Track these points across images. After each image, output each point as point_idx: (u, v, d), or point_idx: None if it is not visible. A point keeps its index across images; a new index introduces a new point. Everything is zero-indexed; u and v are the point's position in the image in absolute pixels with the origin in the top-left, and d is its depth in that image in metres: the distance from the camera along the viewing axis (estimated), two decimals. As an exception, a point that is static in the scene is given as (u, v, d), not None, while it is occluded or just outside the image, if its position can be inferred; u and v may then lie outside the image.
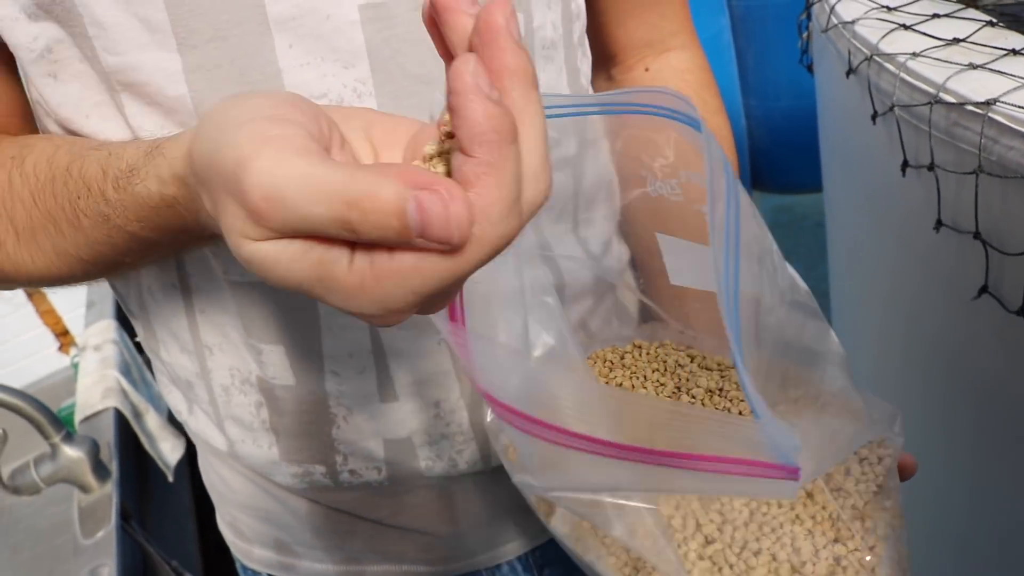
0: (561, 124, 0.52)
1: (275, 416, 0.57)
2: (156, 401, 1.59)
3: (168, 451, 1.47)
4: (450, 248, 0.26)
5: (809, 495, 0.47)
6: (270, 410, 0.57)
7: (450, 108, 0.27)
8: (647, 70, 0.64)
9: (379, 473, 0.59)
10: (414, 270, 0.27)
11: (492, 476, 0.61)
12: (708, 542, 0.46)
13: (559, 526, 0.50)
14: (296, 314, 0.53)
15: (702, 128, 0.39)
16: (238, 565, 0.75)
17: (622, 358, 0.54)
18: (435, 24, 0.31)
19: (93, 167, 0.43)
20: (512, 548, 0.66)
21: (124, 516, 1.20)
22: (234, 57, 0.45)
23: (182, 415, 0.65)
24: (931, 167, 0.72)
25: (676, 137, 0.47)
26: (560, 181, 0.55)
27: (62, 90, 0.49)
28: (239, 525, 0.69)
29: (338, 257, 0.28)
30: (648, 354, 0.54)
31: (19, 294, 1.92)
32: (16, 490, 1.15)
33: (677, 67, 0.64)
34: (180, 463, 1.53)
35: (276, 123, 0.29)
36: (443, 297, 0.30)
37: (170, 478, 1.46)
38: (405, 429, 0.57)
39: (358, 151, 0.34)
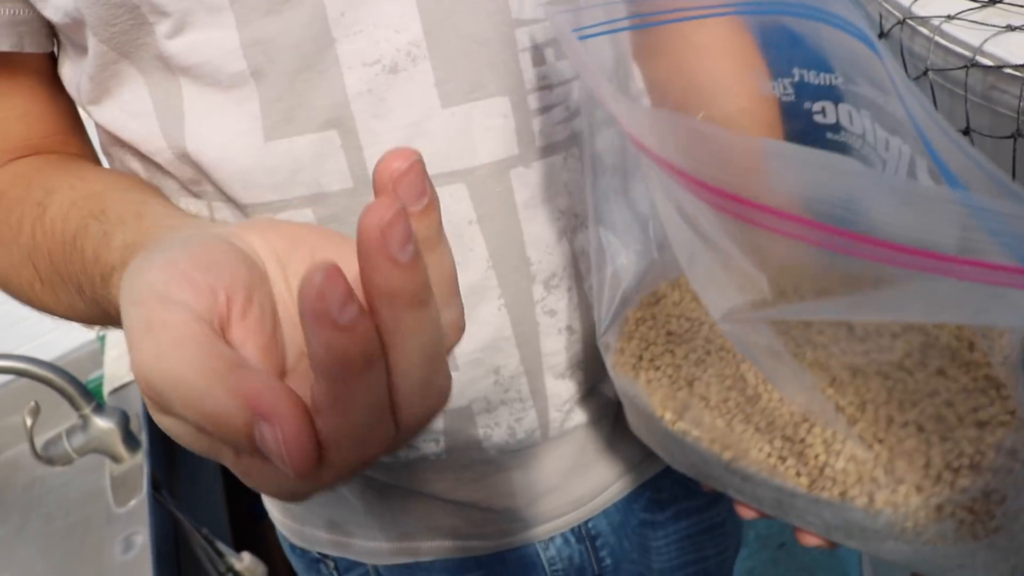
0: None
1: None
2: (183, 372, 1.60)
3: (196, 421, 1.48)
4: (297, 476, 0.25)
5: (970, 345, 0.41)
6: None
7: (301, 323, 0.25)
8: None
9: (437, 445, 0.58)
10: (282, 478, 0.28)
11: (549, 448, 0.61)
12: (851, 423, 0.41)
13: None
14: None
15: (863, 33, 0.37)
16: (285, 545, 0.75)
17: None
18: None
19: (90, 247, 0.43)
20: (566, 521, 0.66)
21: (155, 485, 1.22)
22: (289, 29, 0.45)
23: None
24: (967, 131, 0.71)
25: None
26: (609, 137, 0.53)
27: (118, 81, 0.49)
28: (289, 505, 0.69)
29: (224, 448, 0.29)
30: None
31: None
32: (49, 460, 1.16)
33: None
34: (208, 433, 1.54)
35: (163, 305, 0.29)
36: (330, 488, 0.29)
37: (198, 448, 1.48)
38: (464, 398, 0.56)
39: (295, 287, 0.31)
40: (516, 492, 0.62)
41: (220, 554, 1.39)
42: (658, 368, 0.47)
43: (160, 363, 0.27)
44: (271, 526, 2.18)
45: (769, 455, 0.42)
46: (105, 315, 0.44)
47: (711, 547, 0.79)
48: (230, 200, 0.50)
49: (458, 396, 0.56)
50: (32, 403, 1.09)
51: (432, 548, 0.66)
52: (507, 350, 0.55)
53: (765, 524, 1.24)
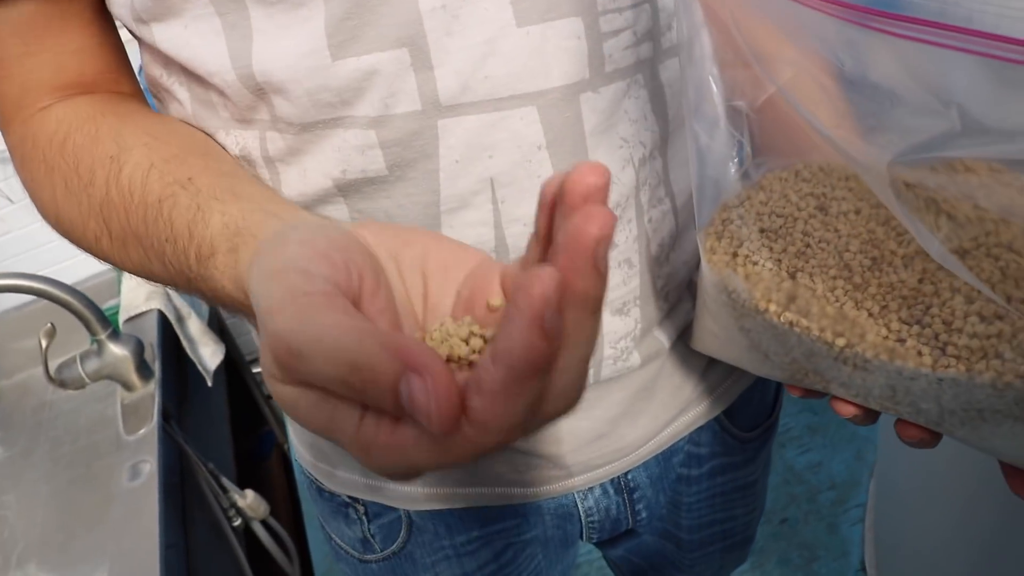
0: (670, 9, 0.50)
1: None
2: (198, 306, 1.60)
3: (208, 356, 1.48)
4: (437, 432, 0.27)
5: None
6: None
7: (506, 313, 0.27)
8: None
9: None
10: (410, 446, 0.29)
11: (599, 392, 0.60)
12: (968, 301, 0.41)
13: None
14: (416, 210, 0.51)
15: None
16: (311, 490, 0.74)
17: None
18: (548, 207, 0.31)
19: (181, 219, 0.43)
20: (607, 471, 0.65)
21: (164, 416, 1.22)
22: None
23: None
24: None
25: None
26: (673, 68, 0.53)
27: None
28: (321, 445, 0.68)
29: (348, 415, 0.30)
30: None
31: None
32: (63, 383, 1.16)
33: None
34: (218, 369, 1.54)
35: (305, 277, 0.31)
36: (448, 468, 0.30)
37: (209, 383, 1.48)
38: None
39: (409, 286, 0.36)
40: (562, 438, 0.61)
41: (224, 490, 1.40)
42: (756, 263, 0.46)
43: (305, 326, 0.29)
44: (274, 467, 2.20)
45: (887, 337, 0.41)
46: (189, 284, 0.44)
47: (740, 506, 0.80)
48: (287, 126, 0.49)
49: None
50: (48, 324, 1.09)
51: (469, 495, 0.65)
52: None
53: (770, 499, 1.24)
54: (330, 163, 0.50)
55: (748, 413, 0.73)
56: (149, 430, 1.16)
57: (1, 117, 0.55)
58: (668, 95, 0.53)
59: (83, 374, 1.16)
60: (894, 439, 1.35)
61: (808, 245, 0.44)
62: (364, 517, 0.70)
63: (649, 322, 0.58)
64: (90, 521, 1.25)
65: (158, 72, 0.54)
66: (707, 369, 0.66)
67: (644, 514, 0.71)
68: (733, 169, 0.47)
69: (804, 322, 0.44)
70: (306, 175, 0.51)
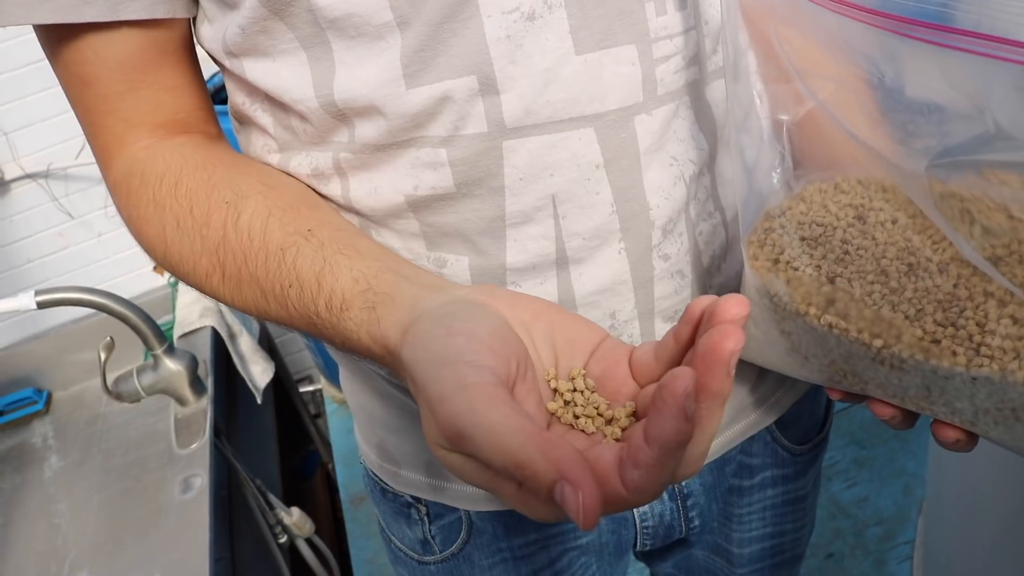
0: (714, 35, 0.54)
1: None
2: (249, 324, 1.63)
3: (258, 374, 1.51)
4: (583, 530, 0.34)
5: None
6: None
7: (654, 403, 0.34)
8: None
9: None
10: (555, 512, 0.35)
11: None
12: (1001, 305, 0.44)
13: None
14: (483, 224, 0.53)
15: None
16: (375, 491, 0.75)
17: None
18: (695, 323, 0.39)
19: (308, 269, 0.48)
20: None
21: (216, 432, 1.24)
22: None
23: None
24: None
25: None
26: (716, 90, 0.55)
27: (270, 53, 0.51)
28: (387, 447, 0.70)
29: (509, 483, 0.36)
30: None
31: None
32: (119, 396, 1.19)
33: None
34: (266, 388, 1.57)
35: (474, 370, 0.36)
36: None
37: (258, 400, 1.50)
38: None
39: (541, 355, 0.42)
40: None
41: (271, 506, 1.42)
42: (796, 269, 0.48)
43: (476, 416, 0.35)
44: (318, 486, 2.21)
45: (922, 338, 0.43)
46: (312, 327, 0.49)
47: (791, 521, 0.79)
48: (363, 146, 0.52)
49: None
50: (108, 338, 1.12)
51: None
52: (624, 294, 0.56)
53: (816, 533, 1.23)
54: (403, 180, 0.52)
55: (799, 426, 0.74)
56: (201, 445, 1.19)
57: (105, 151, 0.58)
58: (716, 115, 0.55)
59: (139, 387, 1.19)
60: (943, 475, 1.32)
61: (847, 252, 0.46)
62: (426, 518, 0.71)
63: None
64: (140, 531, 1.27)
65: (241, 100, 0.57)
66: (759, 379, 0.67)
67: (697, 522, 0.72)
68: (776, 179, 0.49)
69: (843, 324, 0.46)
70: (377, 191, 0.53)
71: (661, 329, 0.58)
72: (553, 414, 0.41)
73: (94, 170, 1.80)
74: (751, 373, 0.66)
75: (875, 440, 1.93)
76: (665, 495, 0.69)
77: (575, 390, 0.41)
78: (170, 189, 0.54)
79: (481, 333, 0.39)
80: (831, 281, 0.46)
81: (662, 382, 0.33)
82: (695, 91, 0.53)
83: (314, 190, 0.56)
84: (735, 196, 0.59)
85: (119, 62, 0.54)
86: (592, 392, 0.41)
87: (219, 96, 1.92)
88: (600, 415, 0.40)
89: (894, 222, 0.45)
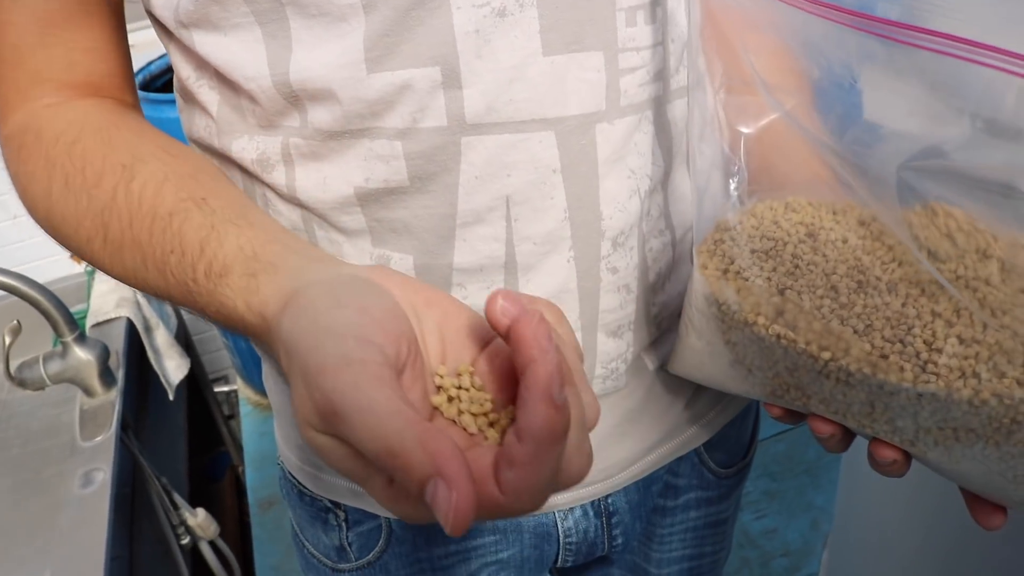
0: (679, 54, 0.54)
1: None
2: (166, 318, 1.58)
3: (172, 369, 1.47)
4: (449, 533, 0.31)
5: None
6: None
7: (519, 398, 0.32)
8: None
9: None
10: (425, 513, 0.33)
11: None
12: (948, 326, 0.44)
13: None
14: (433, 222, 0.52)
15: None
16: (292, 494, 0.73)
17: None
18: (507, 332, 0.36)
19: (193, 234, 0.45)
20: (590, 492, 0.66)
21: (123, 426, 1.20)
22: None
23: None
24: None
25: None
26: (677, 109, 0.55)
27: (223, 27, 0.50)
28: (311, 450, 0.68)
29: (379, 476, 0.34)
30: None
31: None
32: (22, 383, 1.14)
33: None
34: (179, 385, 1.53)
35: (362, 345, 0.34)
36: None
37: (171, 396, 1.46)
38: None
39: (428, 345, 0.39)
40: None
41: (175, 506, 1.38)
42: (746, 279, 0.48)
43: (356, 394, 0.32)
44: (226, 489, 2.16)
45: (870, 352, 0.43)
46: (187, 296, 0.46)
47: (710, 544, 0.80)
48: (315, 132, 0.50)
49: None
50: (15, 322, 1.07)
51: None
52: (569, 303, 0.55)
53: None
54: (353, 171, 0.51)
55: (725, 450, 0.74)
56: (106, 438, 1.15)
57: (4, 103, 0.55)
58: (675, 133, 0.55)
59: (45, 375, 1.15)
60: (850, 511, 1.35)
61: (797, 266, 0.46)
62: (344, 524, 0.69)
63: (640, 346, 0.60)
64: (35, 526, 1.22)
65: (188, 74, 0.54)
66: (692, 398, 0.67)
67: (620, 540, 0.72)
68: (731, 191, 0.49)
69: (791, 335, 0.46)
70: (326, 182, 0.52)
71: (603, 342, 0.57)
72: (436, 408, 0.38)
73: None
74: (686, 390, 0.66)
75: (786, 474, 1.96)
76: (590, 511, 0.68)
77: (460, 387, 0.39)
78: (65, 148, 0.51)
79: (373, 309, 0.36)
80: (780, 292, 0.46)
81: (523, 383, 0.32)
82: (658, 107, 0.53)
83: (256, 178, 0.54)
84: (690, 202, 0.59)
85: (36, 14, 0.51)
86: (478, 390, 0.39)
87: (155, 84, 1.87)
88: (484, 415, 0.38)
89: (844, 241, 0.45)
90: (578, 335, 0.57)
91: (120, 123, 0.53)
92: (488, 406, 0.38)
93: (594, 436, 0.61)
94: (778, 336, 0.46)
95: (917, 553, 1.13)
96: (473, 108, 0.48)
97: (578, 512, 0.68)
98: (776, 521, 1.85)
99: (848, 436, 0.50)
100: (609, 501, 0.68)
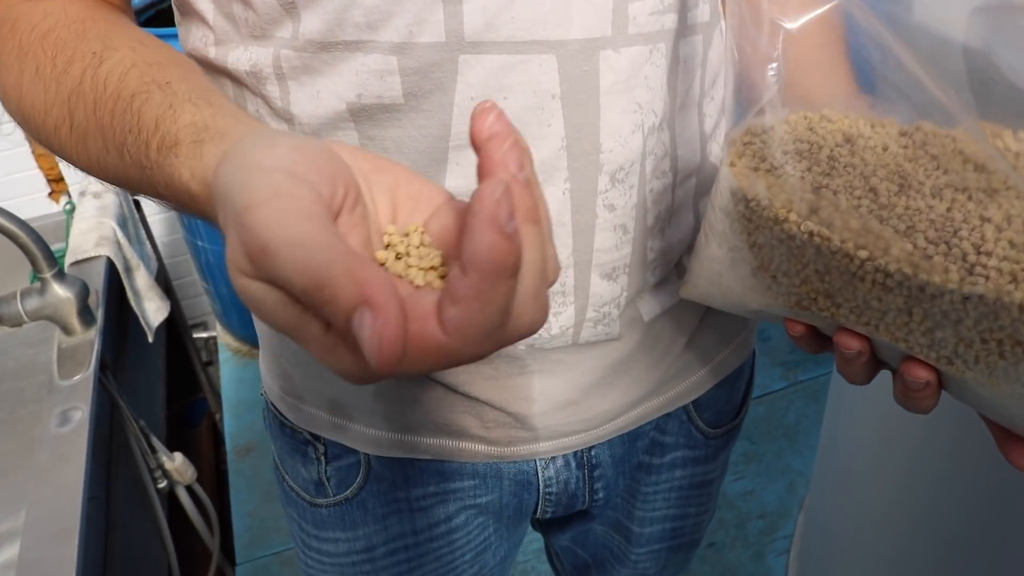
0: None
1: None
2: (147, 260, 1.56)
3: (152, 311, 1.44)
4: (376, 369, 0.29)
5: None
6: None
7: (465, 225, 0.29)
8: None
9: None
10: (361, 361, 0.31)
11: (576, 357, 0.60)
12: (999, 230, 0.41)
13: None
14: (426, 143, 0.50)
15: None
16: (273, 425, 0.72)
17: None
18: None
19: (151, 112, 0.43)
20: (573, 442, 0.65)
21: (101, 366, 1.18)
22: None
23: None
24: None
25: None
26: (692, 45, 0.54)
27: None
28: (293, 379, 0.67)
29: (314, 322, 0.32)
30: None
31: (19, 131, 1.88)
32: (-1, 319, 1.12)
33: None
34: (158, 328, 1.50)
35: (292, 180, 0.32)
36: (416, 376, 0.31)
37: (150, 338, 1.44)
38: None
39: (379, 209, 0.37)
40: (534, 397, 0.61)
41: (153, 450, 1.36)
42: (779, 177, 0.44)
43: (284, 228, 0.30)
44: (203, 436, 2.15)
45: (912, 253, 0.40)
46: (142, 175, 0.44)
47: (694, 505, 0.80)
48: (308, 43, 0.49)
49: None
50: (-8, 256, 1.05)
51: (433, 446, 0.64)
52: (562, 238, 0.54)
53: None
54: (346, 86, 0.49)
55: (715, 410, 0.74)
56: (84, 377, 1.12)
57: None
58: (687, 70, 0.54)
59: (22, 311, 1.12)
60: (827, 475, 1.36)
61: (833, 168, 0.44)
62: (323, 457, 0.68)
63: (634, 291, 0.59)
64: (9, 465, 1.20)
65: None
66: (682, 353, 0.66)
67: (601, 495, 0.71)
68: (768, 85, 0.46)
69: (825, 232, 0.43)
70: (319, 96, 0.50)
71: (597, 283, 0.56)
72: (382, 264, 0.36)
73: (-9, 82, 1.70)
74: (678, 345, 0.65)
75: (765, 437, 1.97)
76: (572, 462, 0.67)
77: (410, 244, 0.36)
78: (39, 37, 0.50)
79: (307, 148, 0.34)
80: (815, 191, 0.44)
81: (470, 202, 0.29)
82: (671, 40, 0.52)
83: (250, 89, 0.53)
84: (693, 164, 0.58)
85: None
86: (427, 247, 0.36)
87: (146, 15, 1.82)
88: (433, 269, 0.36)
89: (884, 148, 0.43)
90: (570, 273, 0.55)
91: (98, 16, 0.51)
92: (438, 261, 0.36)
93: (580, 383, 0.61)
94: (811, 234, 0.43)
95: (891, 516, 1.14)
96: (472, 24, 0.47)
97: (559, 461, 0.67)
98: (753, 483, 1.86)
99: (873, 362, 0.47)
100: (592, 453, 0.68)
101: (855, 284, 0.43)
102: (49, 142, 0.51)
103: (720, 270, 0.51)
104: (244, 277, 0.32)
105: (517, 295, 0.31)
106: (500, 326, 0.31)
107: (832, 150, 0.44)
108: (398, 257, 0.36)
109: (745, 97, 0.47)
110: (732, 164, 0.47)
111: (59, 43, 0.49)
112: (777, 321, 0.51)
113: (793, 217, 0.44)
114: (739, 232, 0.48)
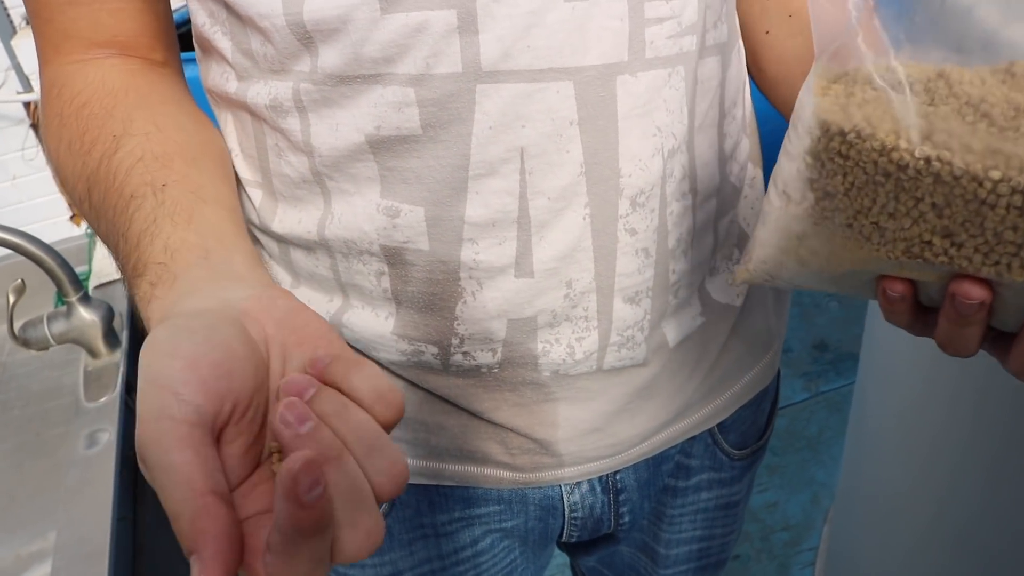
0: (717, 7, 0.51)
1: (399, 284, 0.56)
2: (169, 282, 1.57)
3: (175, 333, 1.45)
4: None
5: None
6: (393, 278, 0.56)
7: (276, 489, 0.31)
8: None
9: (493, 355, 0.57)
10: None
11: (600, 383, 0.60)
12: None
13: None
14: (445, 173, 0.51)
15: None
16: None
17: None
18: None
19: (139, 224, 0.47)
20: (598, 467, 0.65)
21: (127, 387, 1.19)
22: None
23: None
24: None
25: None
26: (711, 66, 0.54)
27: None
28: None
29: None
30: None
31: (40, 156, 1.90)
32: (26, 343, 1.13)
33: None
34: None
35: (178, 402, 0.34)
36: None
37: (173, 360, 1.44)
38: (532, 308, 0.55)
39: (273, 366, 0.39)
40: (559, 423, 0.61)
41: (177, 470, 1.37)
42: (876, 106, 0.40)
43: (158, 450, 0.33)
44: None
45: None
46: (127, 280, 0.48)
47: (720, 526, 0.79)
48: (326, 77, 0.49)
49: (525, 306, 0.55)
50: (19, 280, 1.06)
51: (457, 472, 0.64)
52: (583, 263, 0.54)
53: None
54: (365, 118, 0.50)
55: (740, 432, 0.73)
56: (111, 399, 1.13)
57: (42, 55, 0.56)
58: (704, 91, 0.54)
59: (49, 335, 1.13)
60: (852, 486, 1.35)
61: (933, 98, 0.39)
62: None
63: (658, 315, 0.59)
64: (38, 488, 1.21)
65: (203, 20, 0.54)
66: (707, 376, 0.66)
67: (627, 518, 0.71)
68: (850, 7, 0.41)
69: (947, 155, 0.38)
70: (338, 129, 0.51)
71: (620, 308, 0.56)
72: (273, 453, 0.38)
73: (11, 109, 1.72)
74: (703, 368, 0.65)
75: (788, 448, 1.96)
76: (597, 487, 0.67)
77: None
78: (76, 110, 0.53)
79: (203, 364, 0.36)
80: (923, 116, 0.39)
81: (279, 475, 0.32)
82: (690, 63, 0.52)
83: (270, 124, 0.53)
84: (711, 185, 0.57)
85: None
86: None
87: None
88: None
89: (983, 82, 0.39)
90: (592, 297, 0.56)
91: (131, 87, 0.54)
92: None
93: (605, 410, 0.61)
94: (927, 160, 0.38)
95: (922, 528, 1.13)
96: (489, 54, 0.47)
97: (584, 487, 0.67)
98: (777, 495, 1.85)
99: (984, 330, 0.42)
100: (617, 478, 0.68)
101: (984, 213, 0.38)
102: (80, 209, 0.54)
103: (802, 229, 0.45)
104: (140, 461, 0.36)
105: (329, 535, 0.33)
106: (318, 567, 0.33)
107: (927, 84, 0.40)
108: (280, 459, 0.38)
109: (826, 31, 0.42)
110: (822, 92, 0.42)
111: (90, 119, 0.52)
112: (861, 293, 0.47)
113: (904, 144, 0.39)
114: (832, 174, 0.42)
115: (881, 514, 1.26)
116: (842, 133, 0.41)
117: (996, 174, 0.37)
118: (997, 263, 0.39)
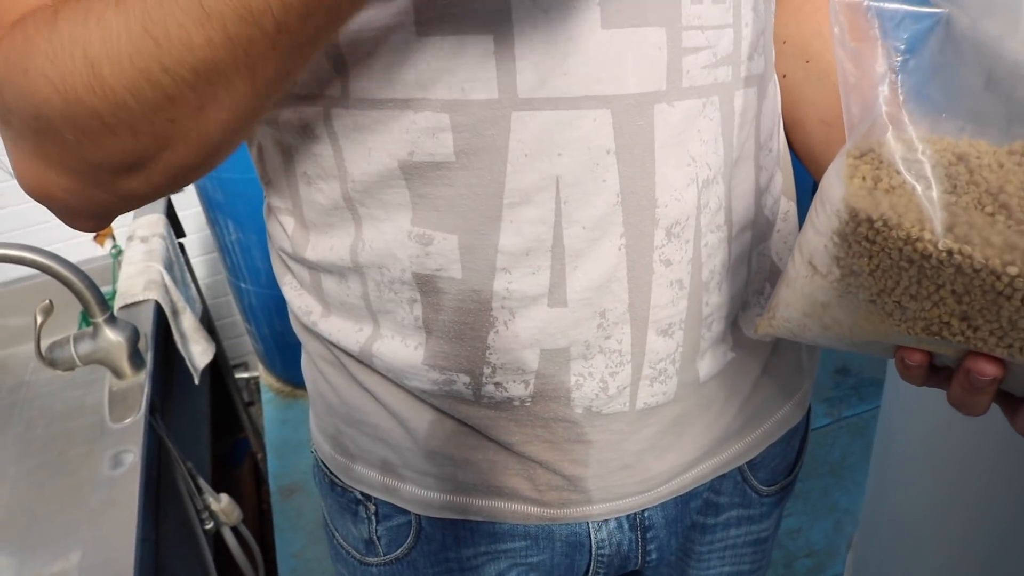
0: (753, 39, 0.51)
1: (431, 313, 0.55)
2: (192, 303, 1.58)
3: (198, 353, 1.46)
4: None
5: None
6: (425, 306, 0.55)
7: None
8: None
9: (525, 388, 0.56)
10: None
11: (632, 424, 0.59)
12: None
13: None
14: (479, 200, 0.50)
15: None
16: (324, 483, 0.72)
17: None
18: None
19: None
20: (627, 504, 0.64)
21: (151, 408, 1.19)
22: None
23: (312, 316, 0.62)
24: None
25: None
26: (747, 98, 0.53)
27: None
28: (343, 439, 0.66)
29: None
30: None
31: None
32: (53, 363, 1.14)
33: None
34: (204, 369, 1.52)
35: None
36: None
37: (196, 380, 1.45)
38: (565, 338, 0.54)
39: None
40: (589, 461, 0.60)
41: (200, 491, 1.37)
42: (901, 196, 0.41)
43: None
44: (245, 476, 2.16)
45: None
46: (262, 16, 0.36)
47: (748, 562, 0.78)
48: (358, 101, 0.48)
49: (559, 336, 0.54)
50: (47, 301, 1.06)
51: (484, 507, 0.63)
52: (617, 293, 0.53)
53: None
54: (397, 144, 0.49)
55: (770, 469, 0.72)
56: (135, 420, 1.14)
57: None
58: (742, 122, 0.53)
59: (75, 355, 1.14)
60: (877, 513, 1.33)
61: (955, 185, 0.41)
62: (373, 517, 0.68)
63: (690, 348, 0.58)
64: (61, 507, 1.22)
65: None
66: (738, 414, 0.65)
67: (654, 555, 0.70)
68: (878, 93, 0.43)
69: (967, 249, 0.40)
70: (370, 154, 0.50)
71: (653, 340, 0.55)
72: None
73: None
74: (733, 405, 0.64)
75: (811, 475, 1.94)
76: (625, 524, 0.67)
77: None
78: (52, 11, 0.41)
79: None
80: (946, 208, 0.41)
81: None
82: (725, 93, 0.51)
83: (301, 150, 0.53)
84: (747, 217, 0.57)
85: None
86: None
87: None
88: None
89: (1000, 166, 0.41)
90: (625, 328, 0.55)
91: None
92: None
93: (635, 449, 0.60)
94: (950, 253, 0.40)
95: (948, 556, 1.11)
96: (526, 81, 0.47)
97: (612, 524, 0.66)
98: (800, 521, 1.84)
99: (997, 391, 0.44)
100: (645, 515, 0.67)
101: (1000, 304, 0.40)
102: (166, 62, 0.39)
103: (827, 299, 0.47)
104: None
105: None
106: None
107: (947, 168, 0.42)
108: None
109: (856, 115, 0.44)
110: (851, 177, 0.44)
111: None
112: (882, 353, 0.48)
113: (928, 236, 0.41)
114: (858, 255, 0.44)
115: (906, 540, 1.24)
116: (870, 220, 0.42)
117: (1013, 270, 0.39)
118: (1011, 346, 0.41)
